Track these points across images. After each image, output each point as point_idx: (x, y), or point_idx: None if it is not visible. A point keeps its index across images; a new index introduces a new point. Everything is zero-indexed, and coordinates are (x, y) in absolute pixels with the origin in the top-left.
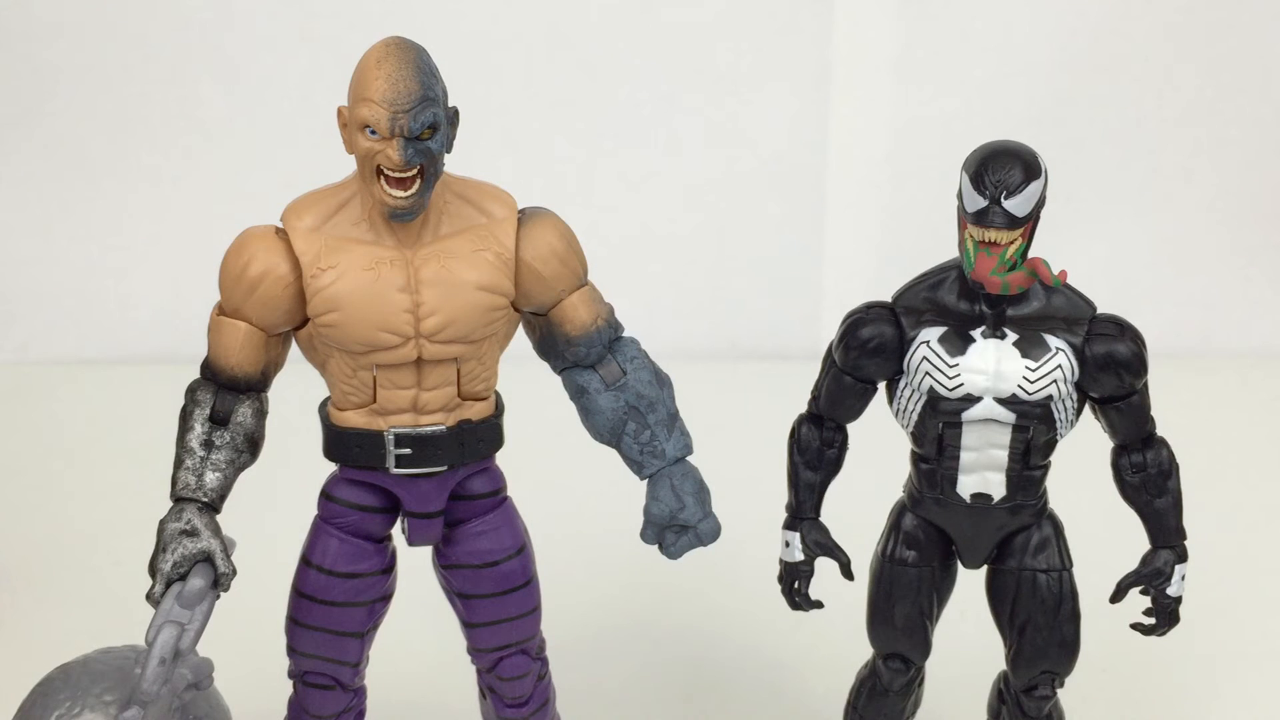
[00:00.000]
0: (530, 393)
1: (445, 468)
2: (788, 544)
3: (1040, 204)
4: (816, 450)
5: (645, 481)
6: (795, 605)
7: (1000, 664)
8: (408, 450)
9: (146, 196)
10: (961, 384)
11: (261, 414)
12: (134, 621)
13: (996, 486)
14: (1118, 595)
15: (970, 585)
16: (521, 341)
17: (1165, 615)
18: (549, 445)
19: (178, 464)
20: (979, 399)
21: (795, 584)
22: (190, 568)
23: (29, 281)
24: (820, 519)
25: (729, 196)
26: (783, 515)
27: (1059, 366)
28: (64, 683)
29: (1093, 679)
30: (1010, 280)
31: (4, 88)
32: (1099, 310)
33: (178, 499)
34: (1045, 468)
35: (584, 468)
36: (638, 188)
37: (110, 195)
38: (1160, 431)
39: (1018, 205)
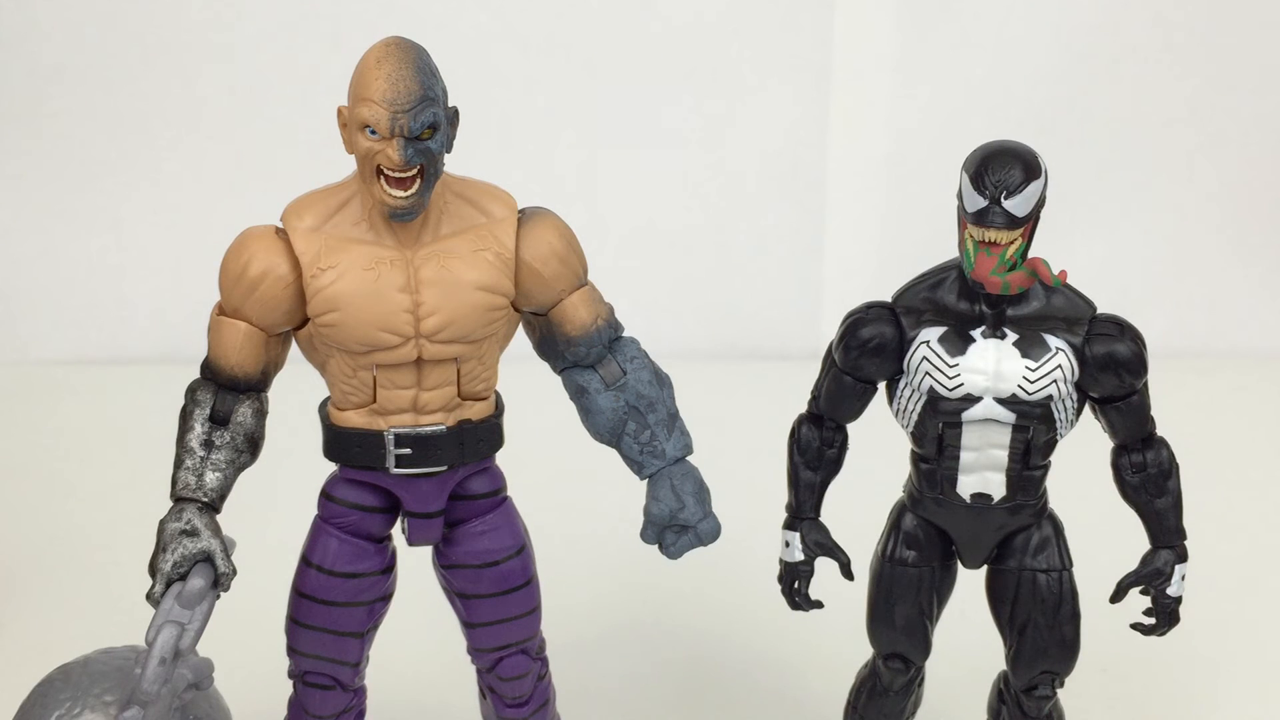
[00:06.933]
0: (530, 393)
1: (445, 468)
2: (788, 544)
3: (1040, 204)
4: (816, 450)
5: (645, 481)
6: (795, 605)
7: (1000, 664)
8: (408, 450)
9: (146, 196)
10: (961, 384)
11: (261, 414)
12: (134, 621)
13: (996, 486)
14: (1118, 595)
15: (970, 585)
16: (521, 341)
17: (1165, 615)
18: (549, 445)
19: (178, 464)
20: (979, 399)
21: (795, 584)
22: (190, 568)
23: (29, 281)
24: (820, 519)
25: (729, 196)
26: (783, 515)
27: (1059, 366)
28: (64, 683)
29: (1093, 679)
30: (1010, 280)
31: (4, 88)
32: (1099, 310)
33: (178, 499)
34: (1045, 468)
35: (584, 468)
36: (638, 187)
37: (110, 195)
38: (1160, 431)
39: (1018, 205)
